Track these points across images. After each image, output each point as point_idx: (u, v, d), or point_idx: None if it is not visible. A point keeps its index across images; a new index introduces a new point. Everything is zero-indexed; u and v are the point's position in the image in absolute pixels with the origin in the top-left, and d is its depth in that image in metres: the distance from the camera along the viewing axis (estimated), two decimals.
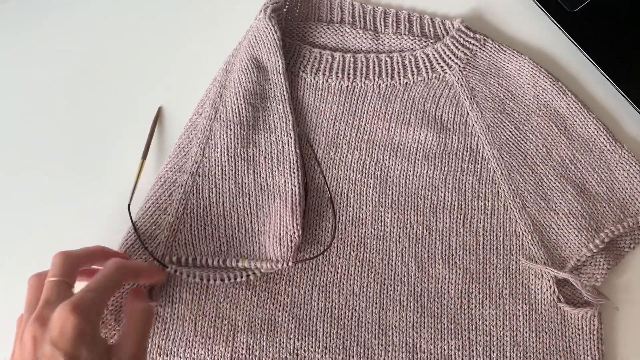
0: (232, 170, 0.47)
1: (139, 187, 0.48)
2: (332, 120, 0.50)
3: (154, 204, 0.47)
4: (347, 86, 0.51)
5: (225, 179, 0.47)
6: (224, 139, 0.48)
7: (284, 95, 0.49)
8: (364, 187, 0.48)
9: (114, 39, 0.56)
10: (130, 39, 0.56)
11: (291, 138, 0.48)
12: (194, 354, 0.44)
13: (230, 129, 0.48)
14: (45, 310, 0.35)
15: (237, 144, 0.48)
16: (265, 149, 0.48)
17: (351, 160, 0.49)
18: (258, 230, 0.46)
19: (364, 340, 0.44)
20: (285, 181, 0.46)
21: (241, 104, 0.49)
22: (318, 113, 0.51)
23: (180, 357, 0.44)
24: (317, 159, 0.47)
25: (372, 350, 0.44)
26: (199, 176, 0.47)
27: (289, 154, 0.47)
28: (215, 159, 0.48)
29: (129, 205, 0.46)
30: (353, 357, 0.44)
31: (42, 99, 0.55)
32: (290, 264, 0.44)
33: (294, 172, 0.46)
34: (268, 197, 0.46)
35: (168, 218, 0.46)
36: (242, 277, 0.44)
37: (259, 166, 0.47)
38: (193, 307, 0.45)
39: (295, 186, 0.46)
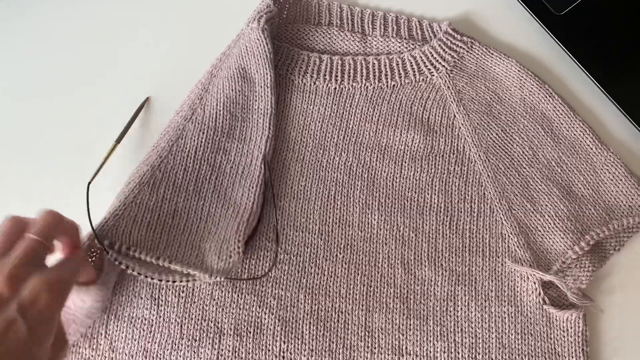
0: (194, 172, 0.47)
1: (110, 172, 0.48)
2: (319, 122, 0.50)
3: (121, 191, 0.47)
4: (335, 88, 0.51)
5: (185, 179, 0.47)
6: (194, 140, 0.48)
7: (267, 109, 0.49)
8: (351, 189, 0.48)
9: (109, 30, 0.56)
10: (130, 31, 0.56)
11: (261, 153, 0.47)
12: (180, 356, 0.44)
13: (203, 133, 0.48)
14: (20, 271, 0.34)
15: (207, 148, 0.48)
16: (234, 159, 0.48)
17: (338, 163, 0.49)
18: (202, 237, 0.45)
19: (350, 342, 0.44)
20: (243, 194, 0.46)
21: (219, 110, 0.49)
22: (306, 115, 0.51)
23: (166, 359, 0.44)
24: (271, 183, 0.47)
25: (358, 353, 0.44)
26: (160, 171, 0.47)
27: (255, 167, 0.47)
28: (181, 158, 0.47)
29: (89, 183, 0.45)
30: (339, 359, 0.44)
31: (30, 89, 0.55)
32: (222, 279, 0.42)
33: (253, 187, 0.46)
34: (222, 207, 0.46)
35: (115, 202, 0.46)
36: (180, 281, 0.43)
37: (223, 174, 0.47)
38: (179, 310, 0.45)
39: (251, 201, 0.45)
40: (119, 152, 0.49)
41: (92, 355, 0.44)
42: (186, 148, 0.47)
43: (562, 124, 0.49)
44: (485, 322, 0.45)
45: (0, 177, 0.52)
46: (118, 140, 0.49)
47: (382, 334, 0.44)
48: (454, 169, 0.49)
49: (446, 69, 0.52)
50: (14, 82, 0.55)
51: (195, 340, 0.44)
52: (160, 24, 0.56)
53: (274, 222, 0.47)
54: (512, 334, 0.44)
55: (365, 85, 0.51)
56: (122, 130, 0.50)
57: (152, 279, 0.42)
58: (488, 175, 0.48)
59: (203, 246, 0.45)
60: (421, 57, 0.52)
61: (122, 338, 0.44)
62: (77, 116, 0.54)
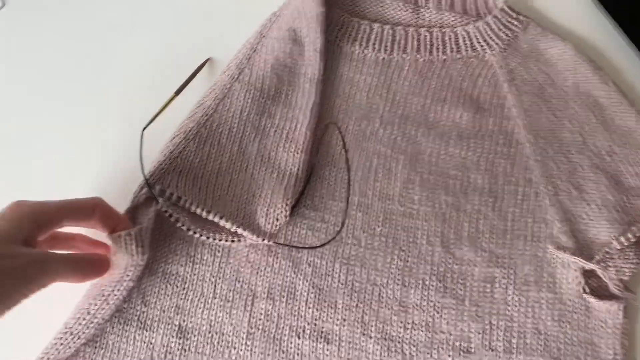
0: (239, 133, 0.47)
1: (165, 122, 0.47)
2: (365, 92, 0.49)
3: (164, 145, 0.46)
4: (384, 59, 0.50)
5: (230, 140, 0.46)
6: (240, 101, 0.47)
7: (314, 75, 0.48)
8: (393, 162, 0.47)
9: None
10: None
11: (307, 119, 0.47)
12: (212, 315, 0.44)
13: (249, 93, 0.47)
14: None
15: (252, 110, 0.47)
16: (279, 123, 0.47)
17: (382, 135, 0.48)
18: (247, 199, 0.45)
19: (384, 316, 0.44)
20: (287, 160, 0.46)
21: (267, 72, 0.48)
22: (352, 84, 0.49)
23: (198, 318, 0.44)
24: (344, 142, 0.46)
25: (392, 327, 0.43)
26: (205, 128, 0.46)
27: (299, 134, 0.46)
28: (226, 118, 0.47)
29: (143, 129, 0.45)
30: (371, 331, 0.43)
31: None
32: (270, 242, 0.43)
33: (298, 154, 0.46)
34: (266, 170, 0.46)
35: (160, 157, 0.46)
36: (226, 240, 0.43)
37: (267, 138, 0.47)
38: (214, 269, 0.45)
39: (295, 167, 0.45)
40: (176, 104, 0.48)
41: (125, 307, 0.43)
42: (232, 108, 0.47)
43: (615, 112, 0.48)
44: (522, 307, 0.44)
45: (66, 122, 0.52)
46: (177, 92, 0.48)
47: (416, 310, 0.44)
48: (501, 150, 0.47)
49: (499, 47, 0.50)
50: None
51: (228, 301, 0.44)
52: None
53: (345, 190, 0.46)
54: (548, 321, 0.43)
55: (415, 57, 0.50)
56: (182, 83, 0.49)
57: (200, 235, 0.42)
58: (536, 159, 0.47)
59: (248, 208, 0.44)
60: (475, 33, 0.50)
61: (154, 293, 0.44)
62: (144, 71, 0.53)
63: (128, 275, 0.41)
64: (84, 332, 0.41)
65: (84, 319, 0.41)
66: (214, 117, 0.47)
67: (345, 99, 0.49)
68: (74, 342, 0.40)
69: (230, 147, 0.46)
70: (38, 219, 0.39)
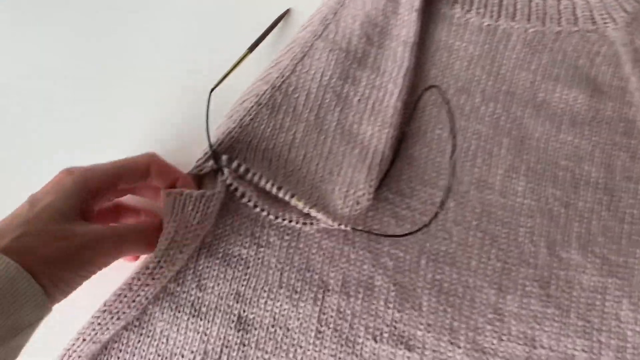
0: (317, 100, 0.40)
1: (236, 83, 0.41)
2: (466, 62, 0.42)
3: (231, 109, 0.40)
4: (488, 25, 0.43)
5: (307, 107, 0.40)
6: (322, 62, 0.41)
7: (409, 37, 0.41)
8: (495, 146, 0.41)
9: None
10: None
11: (397, 89, 0.40)
12: (276, 307, 0.38)
13: (333, 54, 0.41)
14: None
15: (335, 73, 0.40)
16: (364, 91, 0.41)
17: (484, 113, 0.41)
18: (323, 176, 0.39)
19: (475, 323, 0.38)
20: (372, 134, 0.39)
21: (355, 30, 0.41)
22: (450, 52, 0.43)
23: (260, 309, 0.38)
24: (450, 112, 0.39)
25: (484, 337, 0.37)
26: (280, 93, 0.40)
27: (388, 106, 0.40)
28: (304, 81, 0.40)
29: (212, 89, 0.39)
30: (460, 341, 0.37)
31: None
32: (348, 227, 0.37)
33: (385, 128, 0.39)
34: (347, 145, 0.39)
35: (228, 122, 0.39)
36: (296, 222, 0.37)
37: (349, 107, 0.40)
38: (281, 254, 0.39)
39: (381, 144, 0.39)
40: (248, 62, 0.42)
41: (177, 291, 0.38)
42: (311, 70, 0.40)
43: None
44: (638, 325, 0.37)
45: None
46: (251, 49, 0.42)
47: (514, 319, 0.38)
48: (621, 140, 0.41)
49: (624, 20, 0.43)
50: None
51: (296, 292, 0.38)
52: None
53: (448, 173, 0.40)
54: None
55: (524, 26, 0.43)
56: (256, 38, 0.43)
57: (267, 214, 0.36)
58: None
59: (324, 187, 0.38)
60: (596, 4, 0.43)
61: (212, 276, 0.38)
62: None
63: (176, 243, 0.35)
64: (124, 312, 0.35)
65: (125, 296, 0.35)
66: (290, 80, 0.40)
67: (442, 69, 0.42)
68: (113, 324, 0.35)
69: (306, 115, 0.40)
70: (89, 186, 0.34)
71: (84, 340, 0.34)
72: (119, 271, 0.37)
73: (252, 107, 0.39)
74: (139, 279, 0.35)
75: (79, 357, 0.34)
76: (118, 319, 0.34)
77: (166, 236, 0.35)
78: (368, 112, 0.40)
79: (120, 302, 0.34)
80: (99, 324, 0.34)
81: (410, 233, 0.38)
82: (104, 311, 0.34)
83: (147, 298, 0.36)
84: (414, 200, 0.40)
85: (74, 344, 0.34)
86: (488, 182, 0.40)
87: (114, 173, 0.35)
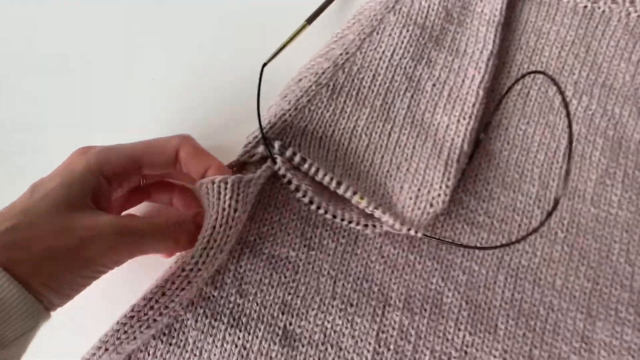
0: (385, 83, 0.35)
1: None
2: (557, 48, 0.37)
3: (285, 87, 0.35)
4: (585, 7, 0.37)
5: (372, 91, 0.34)
6: (393, 39, 0.35)
7: (494, 15, 0.36)
8: (588, 146, 0.35)
9: None
10: None
11: (479, 74, 0.35)
12: (328, 321, 0.32)
13: (407, 30, 0.35)
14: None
15: (407, 52, 0.35)
16: (440, 75, 0.35)
17: (576, 108, 0.36)
18: (389, 172, 0.33)
19: (559, 352, 0.32)
20: (448, 125, 0.34)
21: (434, 4, 0.36)
22: (539, 35, 0.37)
23: (309, 323, 0.32)
24: (565, 101, 0.33)
25: None
26: (343, 72, 0.34)
27: (469, 93, 0.34)
28: (372, 60, 0.35)
29: (264, 64, 0.33)
30: None
31: None
32: (419, 234, 0.31)
33: (464, 119, 0.34)
34: (417, 136, 0.34)
35: (282, 103, 0.34)
36: (357, 223, 0.32)
37: (422, 93, 0.35)
38: (335, 260, 0.33)
39: (459, 137, 0.33)
40: (305, 36, 0.36)
41: (214, 296, 0.32)
42: (380, 48, 0.35)
43: None
44: None
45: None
46: (309, 20, 0.36)
47: (604, 350, 0.32)
48: None
49: None
50: None
51: (351, 305, 0.33)
52: None
53: (559, 175, 0.34)
54: None
55: (627, 9, 0.37)
56: (316, 9, 0.37)
57: (325, 212, 0.31)
58: None
59: (390, 184, 0.33)
60: None
61: (255, 281, 0.33)
62: None
63: (215, 240, 0.29)
64: (154, 320, 0.29)
65: (157, 301, 0.29)
66: (355, 58, 0.35)
67: (529, 54, 0.37)
68: (141, 332, 0.29)
69: (372, 99, 0.34)
70: (105, 170, 0.29)
71: (107, 349, 0.29)
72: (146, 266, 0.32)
73: (310, 86, 0.34)
74: (173, 282, 0.29)
75: None
76: (147, 327, 0.29)
77: (204, 233, 0.30)
78: (444, 100, 0.34)
79: (151, 307, 0.29)
80: (125, 331, 0.29)
81: (512, 243, 0.32)
82: (132, 317, 0.29)
83: (181, 304, 0.30)
84: (492, 205, 0.34)
85: (94, 354, 0.28)
86: (578, 188, 0.34)
87: (134, 156, 0.30)
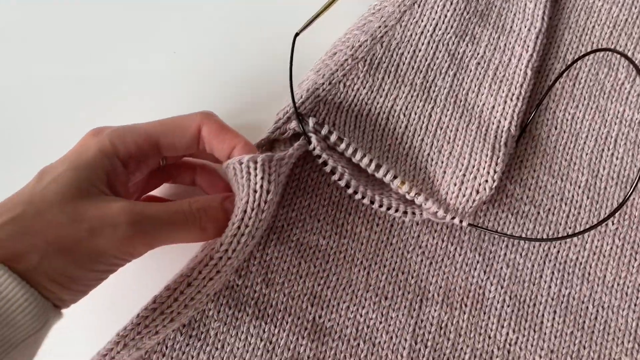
0: (426, 60, 0.32)
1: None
2: (608, 27, 0.34)
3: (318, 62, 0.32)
4: None
5: (412, 68, 0.32)
6: (436, 12, 0.33)
7: None
8: None
9: None
10: None
11: (527, 53, 0.32)
12: (360, 315, 0.30)
13: (451, 3, 0.33)
14: None
15: (450, 28, 0.32)
16: (485, 53, 0.33)
17: (628, 92, 0.33)
18: (430, 155, 0.31)
19: (610, 352, 0.30)
20: (495, 107, 0.31)
21: None
22: (589, 13, 0.34)
23: (341, 316, 0.30)
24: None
25: None
26: (381, 46, 0.32)
27: (516, 73, 0.32)
28: (411, 35, 0.32)
29: (296, 34, 0.31)
30: None
31: None
32: (465, 223, 0.29)
33: (512, 100, 0.31)
34: (460, 117, 0.31)
35: (315, 78, 0.32)
36: (396, 210, 0.30)
37: (465, 71, 0.32)
38: (368, 249, 0.31)
39: (506, 119, 0.31)
40: (340, 5, 0.33)
41: (238, 285, 0.30)
42: (422, 21, 0.32)
43: None
44: None
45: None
46: None
47: None
48: None
49: None
50: None
51: (386, 298, 0.30)
52: None
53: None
54: None
55: None
56: None
57: (362, 197, 0.28)
58: None
59: (431, 169, 0.30)
60: None
61: (282, 270, 0.30)
62: None
63: (247, 226, 0.27)
64: (178, 313, 0.27)
65: (182, 292, 0.26)
66: (395, 31, 0.32)
67: (579, 33, 0.34)
68: (164, 326, 0.27)
69: (412, 77, 0.32)
70: (119, 151, 0.26)
71: (125, 345, 0.26)
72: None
73: (346, 60, 0.31)
74: (200, 272, 0.27)
75: None
76: (171, 320, 0.26)
77: (234, 218, 0.27)
78: (489, 79, 0.32)
79: (175, 299, 0.26)
80: (147, 325, 0.26)
81: (574, 234, 0.29)
82: (154, 310, 0.26)
83: (207, 295, 0.28)
84: (538, 193, 0.32)
85: (112, 349, 0.26)
86: (631, 178, 0.32)
87: (152, 136, 0.27)
